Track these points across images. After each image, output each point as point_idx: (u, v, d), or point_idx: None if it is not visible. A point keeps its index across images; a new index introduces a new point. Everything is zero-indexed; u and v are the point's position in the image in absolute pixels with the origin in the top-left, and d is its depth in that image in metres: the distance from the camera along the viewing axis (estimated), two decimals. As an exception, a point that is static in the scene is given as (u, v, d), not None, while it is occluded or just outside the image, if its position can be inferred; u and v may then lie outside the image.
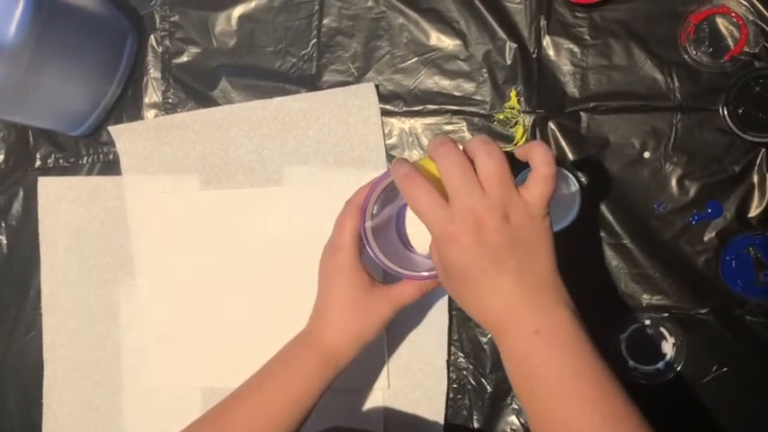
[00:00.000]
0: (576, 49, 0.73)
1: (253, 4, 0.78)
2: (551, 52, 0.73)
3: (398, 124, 0.76)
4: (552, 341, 0.51)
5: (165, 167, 0.79)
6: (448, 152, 0.51)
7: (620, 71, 0.72)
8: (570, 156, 0.73)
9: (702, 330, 0.71)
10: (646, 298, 0.72)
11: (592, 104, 0.72)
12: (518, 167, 0.55)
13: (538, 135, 0.73)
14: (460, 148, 0.53)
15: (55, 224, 0.81)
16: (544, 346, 0.50)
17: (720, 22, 0.71)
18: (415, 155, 0.75)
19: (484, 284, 0.51)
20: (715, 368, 0.71)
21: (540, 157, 0.51)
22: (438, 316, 0.74)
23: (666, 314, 0.71)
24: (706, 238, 0.71)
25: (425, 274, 0.60)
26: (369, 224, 0.60)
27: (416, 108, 0.75)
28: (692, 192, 0.71)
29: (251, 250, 0.77)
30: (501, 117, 0.74)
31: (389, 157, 0.75)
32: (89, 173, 0.81)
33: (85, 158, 0.81)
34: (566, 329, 0.51)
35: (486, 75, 0.74)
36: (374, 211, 0.61)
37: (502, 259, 0.50)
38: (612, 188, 0.72)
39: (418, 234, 0.63)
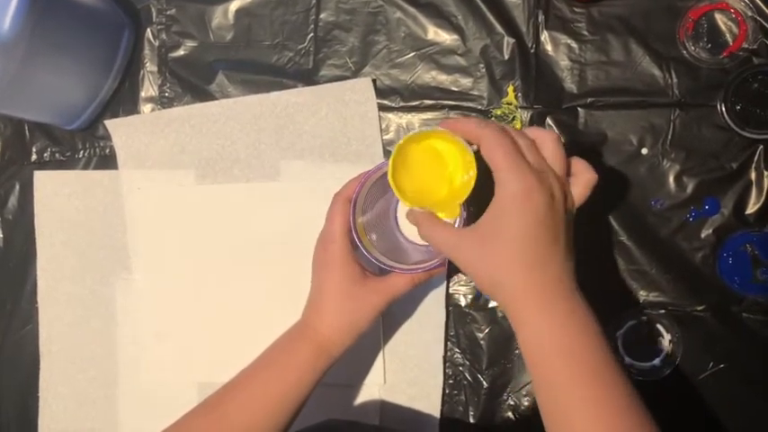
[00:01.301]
0: (574, 45, 0.72)
1: (250, -2, 0.78)
2: (549, 47, 0.73)
3: (395, 119, 0.75)
4: (573, 323, 0.52)
5: (161, 162, 0.78)
6: (515, 133, 0.54)
7: (618, 67, 0.72)
8: (567, 151, 0.72)
9: (699, 327, 0.71)
10: (642, 294, 0.72)
11: (589, 100, 0.72)
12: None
13: (535, 131, 0.72)
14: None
15: (51, 218, 0.81)
16: (565, 325, 0.52)
17: (719, 18, 0.71)
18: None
19: (530, 253, 0.51)
20: (711, 365, 0.71)
21: (585, 165, 0.56)
22: (435, 311, 0.74)
23: (663, 311, 0.71)
24: (703, 235, 0.71)
25: (415, 267, 0.61)
26: (360, 219, 0.61)
27: (413, 103, 0.75)
28: (690, 188, 0.71)
29: (247, 245, 0.77)
30: (498, 112, 0.73)
31: (386, 153, 0.75)
32: (85, 167, 0.81)
33: (82, 152, 0.81)
34: (583, 313, 0.53)
35: (484, 70, 0.74)
36: (365, 204, 0.62)
37: (557, 230, 0.52)
38: (610, 184, 0.72)
39: (410, 223, 0.63)
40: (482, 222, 0.53)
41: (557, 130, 0.72)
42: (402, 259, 0.63)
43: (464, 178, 0.56)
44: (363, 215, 0.62)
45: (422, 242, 0.63)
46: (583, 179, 0.55)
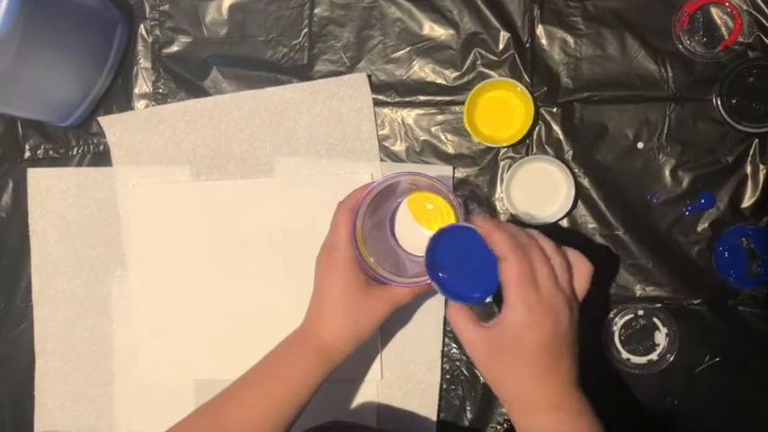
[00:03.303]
0: (570, 39, 0.72)
1: (244, -7, 0.77)
2: (545, 42, 0.73)
3: (390, 114, 0.75)
4: (574, 418, 0.56)
5: (155, 158, 0.78)
6: (536, 246, 0.55)
7: (613, 61, 0.72)
8: (564, 146, 0.72)
9: (695, 321, 0.71)
10: (639, 288, 0.72)
11: (585, 94, 0.72)
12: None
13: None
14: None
15: (45, 216, 0.80)
16: (566, 422, 0.55)
17: (714, 12, 0.71)
18: (407, 145, 0.75)
19: (539, 367, 0.55)
20: (707, 358, 0.71)
21: (581, 257, 0.57)
22: (433, 307, 0.74)
23: (660, 305, 0.71)
24: (699, 229, 0.71)
25: (412, 281, 0.62)
26: (361, 231, 0.61)
27: (408, 98, 0.75)
28: (686, 182, 0.71)
29: (242, 241, 0.76)
30: (494, 107, 0.73)
31: (382, 148, 0.75)
32: (79, 164, 0.80)
33: (75, 149, 0.80)
34: (582, 407, 0.56)
35: (479, 64, 0.73)
36: (367, 216, 0.62)
37: (562, 346, 0.55)
38: (606, 179, 0.72)
39: (407, 235, 0.64)
40: (493, 332, 0.56)
41: (553, 125, 0.72)
42: (400, 272, 0.63)
43: (524, 122, 0.71)
44: (365, 227, 0.62)
45: (420, 254, 0.64)
46: (582, 272, 0.57)
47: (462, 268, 0.58)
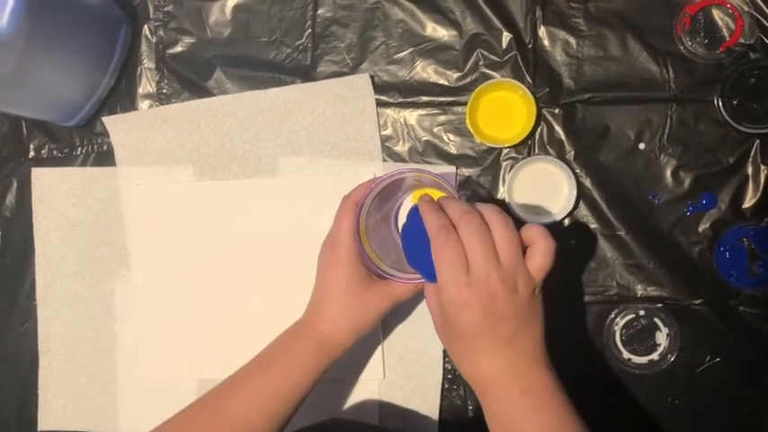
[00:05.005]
0: (572, 40, 0.73)
1: (247, -6, 0.78)
2: (547, 43, 0.73)
3: (393, 115, 0.75)
4: (536, 401, 0.54)
5: (159, 158, 0.78)
6: (473, 221, 0.53)
7: (615, 62, 0.72)
8: (566, 146, 0.73)
9: (696, 321, 0.71)
10: (640, 289, 0.72)
11: (587, 95, 0.72)
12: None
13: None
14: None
15: (49, 215, 0.80)
16: (529, 405, 0.54)
17: (716, 14, 0.71)
18: (409, 146, 0.75)
19: (480, 347, 0.55)
20: (708, 358, 0.71)
21: (540, 232, 0.54)
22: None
23: (661, 305, 0.71)
24: (700, 230, 0.71)
25: (412, 277, 0.62)
26: (364, 225, 0.61)
27: (411, 99, 0.75)
28: (687, 183, 0.71)
29: (245, 241, 0.77)
30: (496, 108, 0.74)
31: (384, 149, 0.75)
32: (83, 164, 0.81)
33: (79, 149, 0.81)
34: (548, 391, 0.55)
35: (482, 65, 0.74)
36: (371, 210, 0.62)
37: (503, 327, 0.54)
38: (607, 179, 0.72)
39: None
40: (441, 311, 0.56)
41: (555, 125, 0.73)
42: (402, 268, 0.63)
43: (526, 122, 0.71)
44: (368, 222, 0.63)
45: None
46: (541, 248, 0.54)
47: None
